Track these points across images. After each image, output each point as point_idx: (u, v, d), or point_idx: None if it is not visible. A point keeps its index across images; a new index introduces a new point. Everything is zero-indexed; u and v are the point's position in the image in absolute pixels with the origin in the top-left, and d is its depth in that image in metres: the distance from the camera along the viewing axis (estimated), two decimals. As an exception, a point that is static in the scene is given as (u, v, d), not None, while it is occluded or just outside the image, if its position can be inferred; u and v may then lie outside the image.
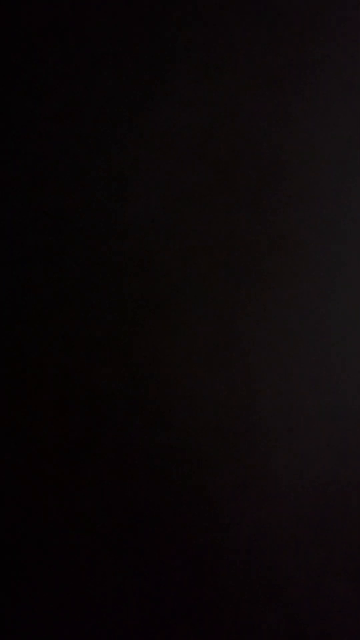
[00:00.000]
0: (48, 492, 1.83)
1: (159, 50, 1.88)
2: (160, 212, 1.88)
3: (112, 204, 1.86)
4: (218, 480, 1.90)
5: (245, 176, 1.92)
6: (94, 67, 1.85)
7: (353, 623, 1.96)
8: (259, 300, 1.93)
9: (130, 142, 1.87)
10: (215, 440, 1.90)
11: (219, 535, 1.90)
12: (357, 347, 1.97)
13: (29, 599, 1.82)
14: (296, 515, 1.94)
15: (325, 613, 1.95)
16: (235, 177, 1.92)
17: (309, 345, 1.95)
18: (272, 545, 1.93)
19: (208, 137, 1.91)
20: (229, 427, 1.91)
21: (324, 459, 1.95)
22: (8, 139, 1.82)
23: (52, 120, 1.84)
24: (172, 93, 1.89)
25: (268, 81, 1.93)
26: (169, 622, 1.88)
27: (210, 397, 1.90)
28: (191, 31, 1.89)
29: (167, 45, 1.89)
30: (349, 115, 1.97)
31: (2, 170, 1.83)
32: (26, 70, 1.83)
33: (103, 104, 1.86)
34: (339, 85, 1.97)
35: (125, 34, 1.86)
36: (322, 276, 1.96)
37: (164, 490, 1.88)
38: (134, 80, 1.87)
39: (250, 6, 1.92)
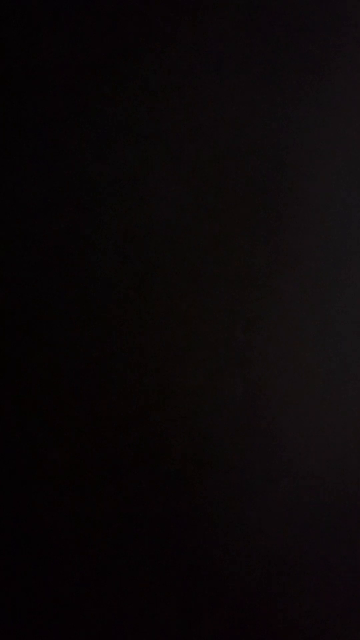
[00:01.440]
0: (48, 495, 1.83)
1: (159, 51, 1.88)
2: (161, 218, 1.88)
3: (112, 214, 1.86)
4: (219, 478, 1.90)
5: (248, 180, 1.92)
6: (95, 67, 1.85)
7: (353, 619, 1.97)
8: (260, 301, 1.93)
9: (130, 146, 1.87)
10: (216, 438, 1.90)
11: (220, 533, 1.90)
12: (358, 345, 1.97)
13: (29, 599, 1.83)
14: (298, 512, 1.94)
15: (325, 607, 1.95)
16: (237, 181, 1.92)
17: (310, 345, 1.95)
18: (272, 542, 1.93)
19: (209, 140, 1.90)
20: (230, 426, 1.91)
21: (328, 454, 1.95)
22: (9, 141, 1.82)
23: (55, 123, 1.84)
24: (173, 94, 1.89)
25: (269, 83, 1.93)
26: (166, 617, 1.89)
27: (212, 395, 1.90)
28: (192, 31, 1.89)
29: (167, 46, 1.88)
30: (352, 116, 1.97)
31: (2, 174, 1.83)
32: (26, 69, 1.83)
33: (104, 104, 1.86)
34: (340, 86, 1.96)
35: (126, 34, 1.86)
36: (324, 277, 1.96)
37: (164, 490, 1.88)
38: (135, 81, 1.87)
39: (251, 6, 1.92)
